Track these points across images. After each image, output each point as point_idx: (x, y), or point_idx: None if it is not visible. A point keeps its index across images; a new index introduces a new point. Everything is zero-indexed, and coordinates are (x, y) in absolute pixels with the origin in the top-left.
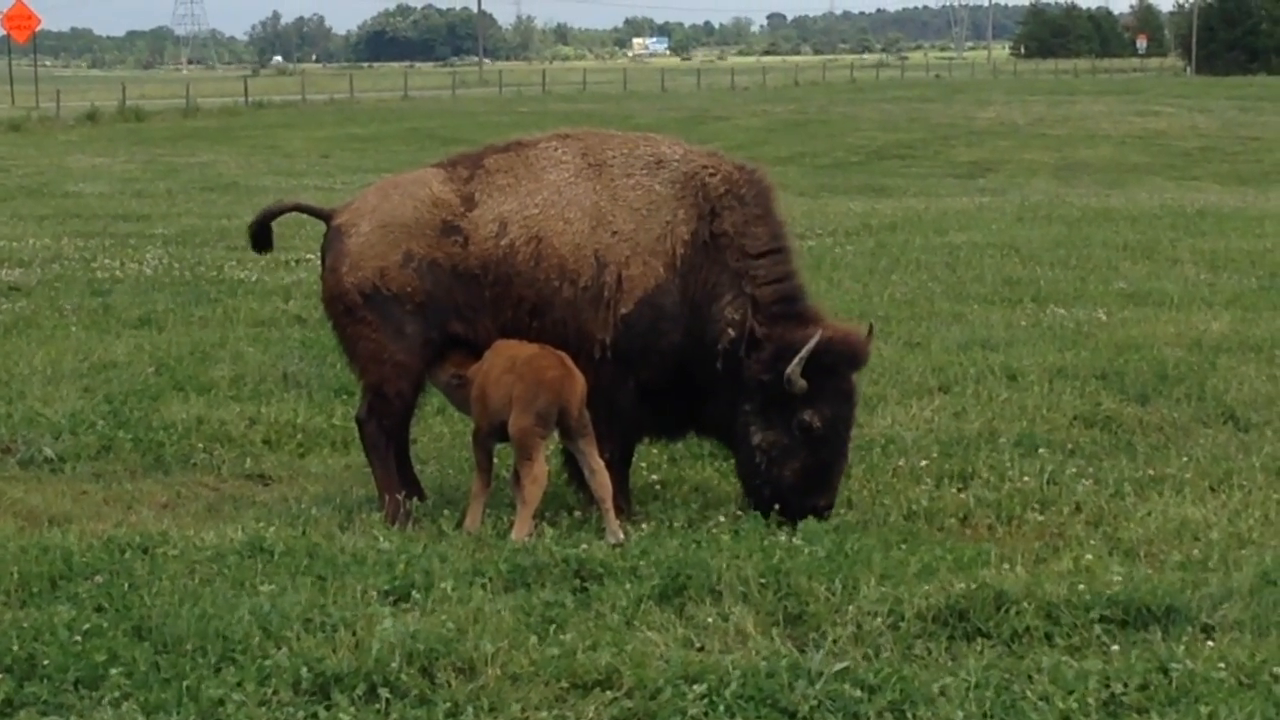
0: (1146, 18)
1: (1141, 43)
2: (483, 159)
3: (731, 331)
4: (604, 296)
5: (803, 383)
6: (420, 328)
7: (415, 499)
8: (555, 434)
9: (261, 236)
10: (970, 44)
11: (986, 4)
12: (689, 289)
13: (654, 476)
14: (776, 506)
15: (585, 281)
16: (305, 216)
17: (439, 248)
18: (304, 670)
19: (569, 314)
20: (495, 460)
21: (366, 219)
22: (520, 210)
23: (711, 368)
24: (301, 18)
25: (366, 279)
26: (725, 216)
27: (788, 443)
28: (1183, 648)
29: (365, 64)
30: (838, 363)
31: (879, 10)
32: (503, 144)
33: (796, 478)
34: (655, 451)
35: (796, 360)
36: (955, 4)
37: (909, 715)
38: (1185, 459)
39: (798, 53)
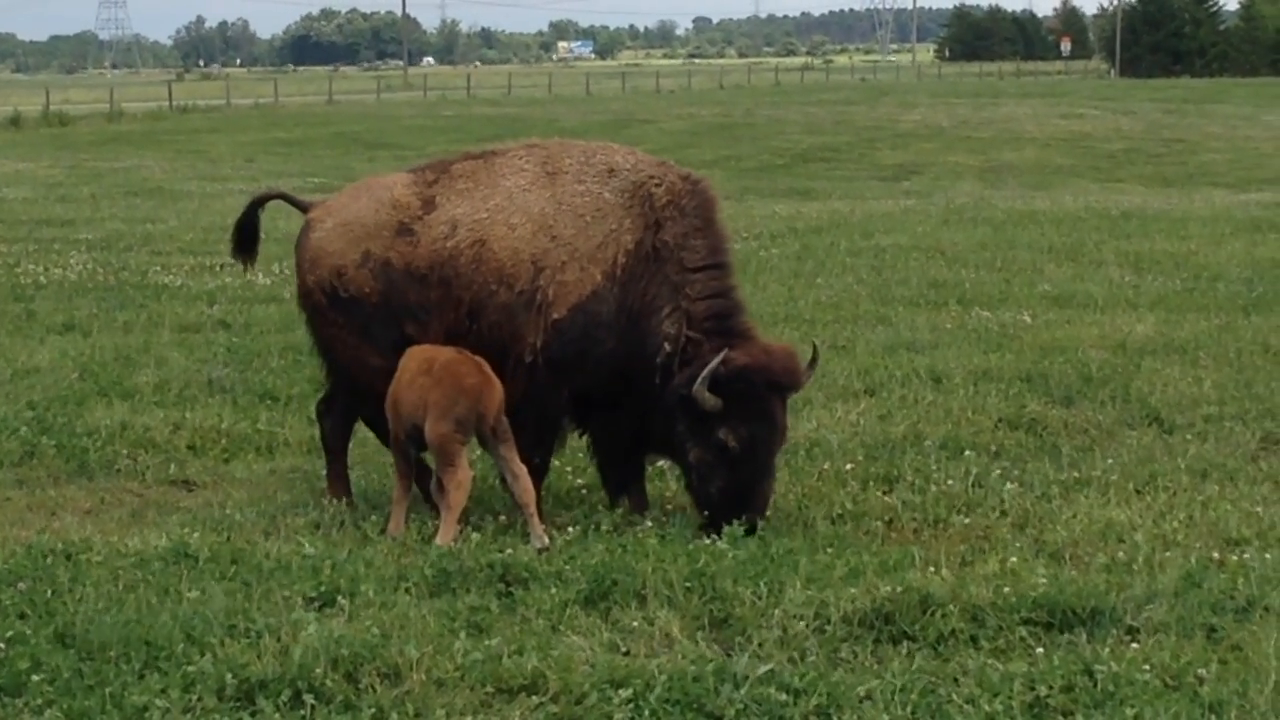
0: (1070, 20)
1: (1065, 45)
2: (451, 164)
3: (668, 346)
4: (537, 300)
5: (713, 399)
6: (383, 328)
7: (345, 502)
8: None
9: (247, 230)
10: (895, 47)
11: (911, 7)
12: (628, 299)
13: (579, 481)
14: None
15: (521, 286)
16: (231, 220)
17: (392, 248)
18: (228, 676)
19: (503, 317)
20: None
21: (333, 217)
22: (471, 214)
23: (652, 381)
24: (225, 22)
25: (324, 278)
26: (667, 227)
27: (711, 461)
28: (1107, 650)
29: (290, 67)
30: (754, 384)
31: (804, 13)
32: (477, 151)
33: (720, 497)
34: (581, 455)
35: (701, 377)
36: (880, 7)
37: (835, 719)
38: (1110, 461)
39: (723, 55)
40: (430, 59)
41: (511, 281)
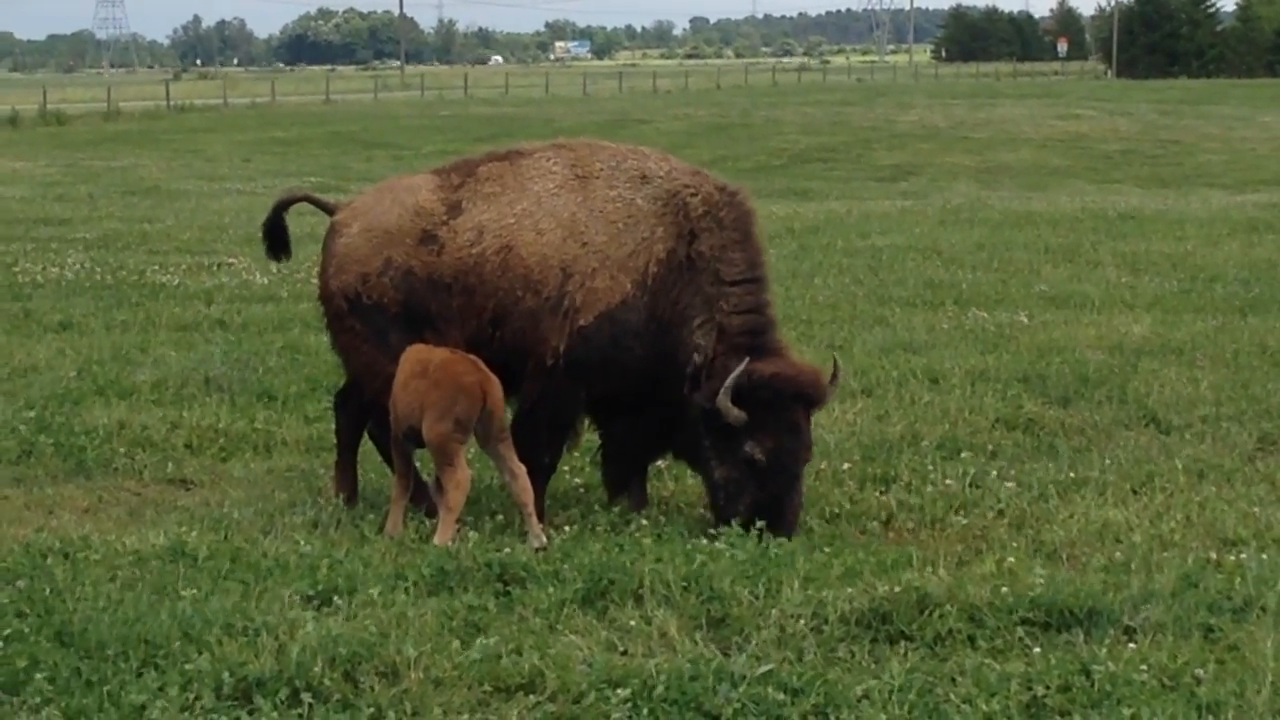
0: (1067, 21)
1: (1062, 46)
2: (477, 166)
3: (698, 357)
4: (564, 306)
5: (737, 412)
6: (401, 337)
7: (346, 498)
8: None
9: (276, 233)
10: (892, 47)
11: (908, 7)
12: (659, 308)
13: (577, 480)
14: None
15: (549, 292)
16: (228, 219)
17: (415, 256)
18: (226, 675)
19: (527, 323)
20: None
21: (358, 221)
22: (498, 219)
23: (680, 390)
24: (223, 21)
25: (349, 284)
26: (703, 239)
27: (738, 477)
28: (1105, 650)
29: (287, 67)
30: (780, 395)
31: (801, 13)
32: (502, 151)
33: (749, 514)
34: (577, 454)
35: (724, 388)
36: (877, 7)
37: (832, 718)
38: (1107, 461)
39: (720, 56)
40: (498, 58)
41: (539, 288)
